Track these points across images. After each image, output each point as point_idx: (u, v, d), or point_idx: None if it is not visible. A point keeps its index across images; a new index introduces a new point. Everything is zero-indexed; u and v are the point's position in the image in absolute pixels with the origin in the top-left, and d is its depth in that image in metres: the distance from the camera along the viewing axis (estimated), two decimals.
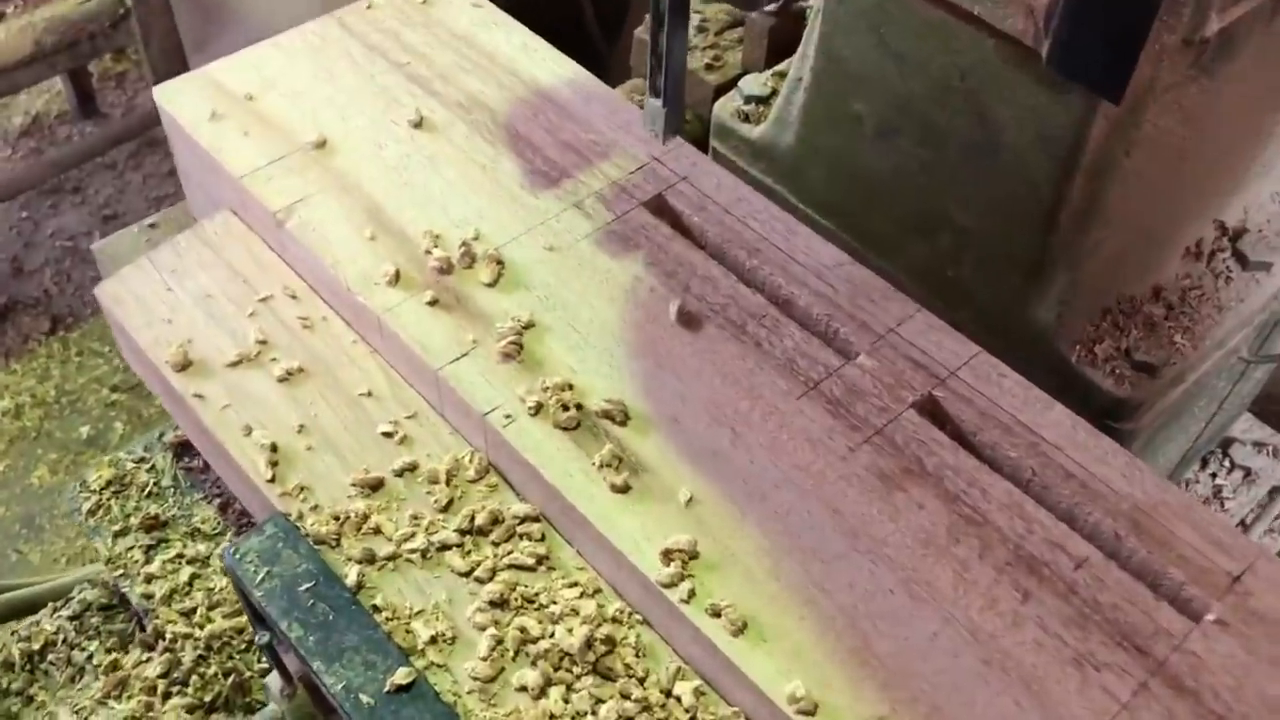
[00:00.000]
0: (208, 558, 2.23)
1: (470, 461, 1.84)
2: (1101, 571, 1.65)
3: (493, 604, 1.69)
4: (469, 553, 1.75)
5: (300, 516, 1.78)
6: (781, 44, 2.92)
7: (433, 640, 1.66)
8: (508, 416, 1.79)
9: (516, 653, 1.65)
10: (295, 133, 2.19)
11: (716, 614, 1.60)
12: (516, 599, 1.70)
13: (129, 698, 2.13)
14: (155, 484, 2.32)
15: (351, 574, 1.71)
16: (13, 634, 2.39)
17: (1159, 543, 1.68)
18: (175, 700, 2.09)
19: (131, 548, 2.24)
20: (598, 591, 1.72)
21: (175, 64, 4.64)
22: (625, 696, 1.61)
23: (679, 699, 1.61)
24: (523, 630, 1.66)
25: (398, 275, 1.96)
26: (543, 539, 1.77)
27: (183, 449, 2.36)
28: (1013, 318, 2.27)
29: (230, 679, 2.12)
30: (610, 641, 1.66)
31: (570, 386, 1.82)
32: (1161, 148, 2.05)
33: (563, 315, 1.93)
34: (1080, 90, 1.93)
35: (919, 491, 1.72)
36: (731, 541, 1.68)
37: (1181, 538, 1.68)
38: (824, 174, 2.47)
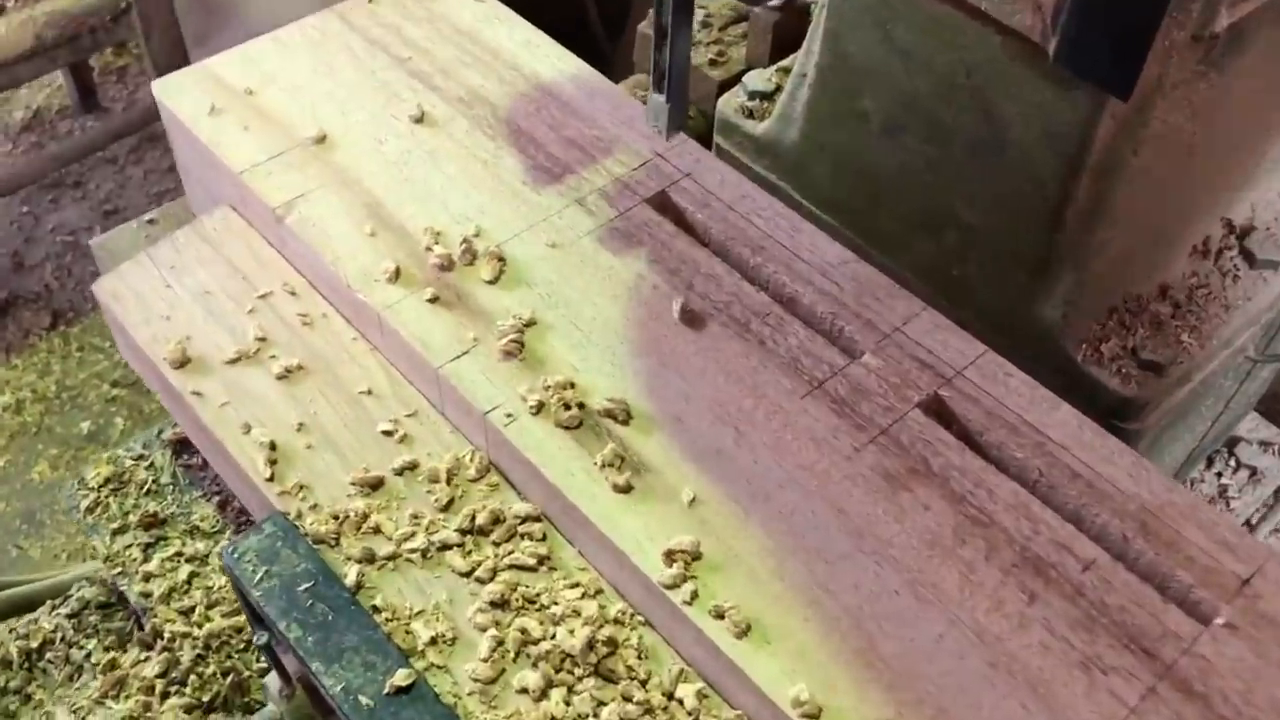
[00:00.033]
0: (206, 556, 2.21)
1: (471, 460, 1.82)
2: (1109, 573, 1.63)
3: (493, 604, 1.67)
4: (470, 552, 1.73)
5: (299, 515, 1.77)
6: (786, 39, 2.90)
7: (433, 641, 1.64)
8: (509, 415, 1.77)
9: (517, 654, 1.63)
10: (295, 128, 2.17)
11: (720, 616, 1.58)
12: (517, 599, 1.68)
13: (127, 697, 2.11)
14: (154, 481, 2.31)
15: (351, 574, 1.70)
16: (11, 632, 2.38)
17: (1167, 544, 1.66)
18: (173, 700, 2.07)
19: (130, 546, 2.23)
20: (599, 592, 1.70)
21: (176, 58, 4.61)
22: (627, 699, 1.59)
23: (681, 702, 1.60)
24: (524, 631, 1.64)
25: (398, 272, 1.94)
26: (544, 539, 1.75)
27: (182, 446, 2.35)
28: (1018, 316, 2.25)
29: (229, 679, 2.10)
30: (612, 643, 1.64)
31: (572, 385, 1.81)
32: (1170, 145, 2.03)
33: (565, 313, 1.91)
34: (1088, 87, 1.91)
35: (925, 492, 1.70)
36: (735, 542, 1.66)
37: (1189, 539, 1.67)
38: (829, 171, 2.45)
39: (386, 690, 1.58)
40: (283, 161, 2.11)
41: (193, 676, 2.11)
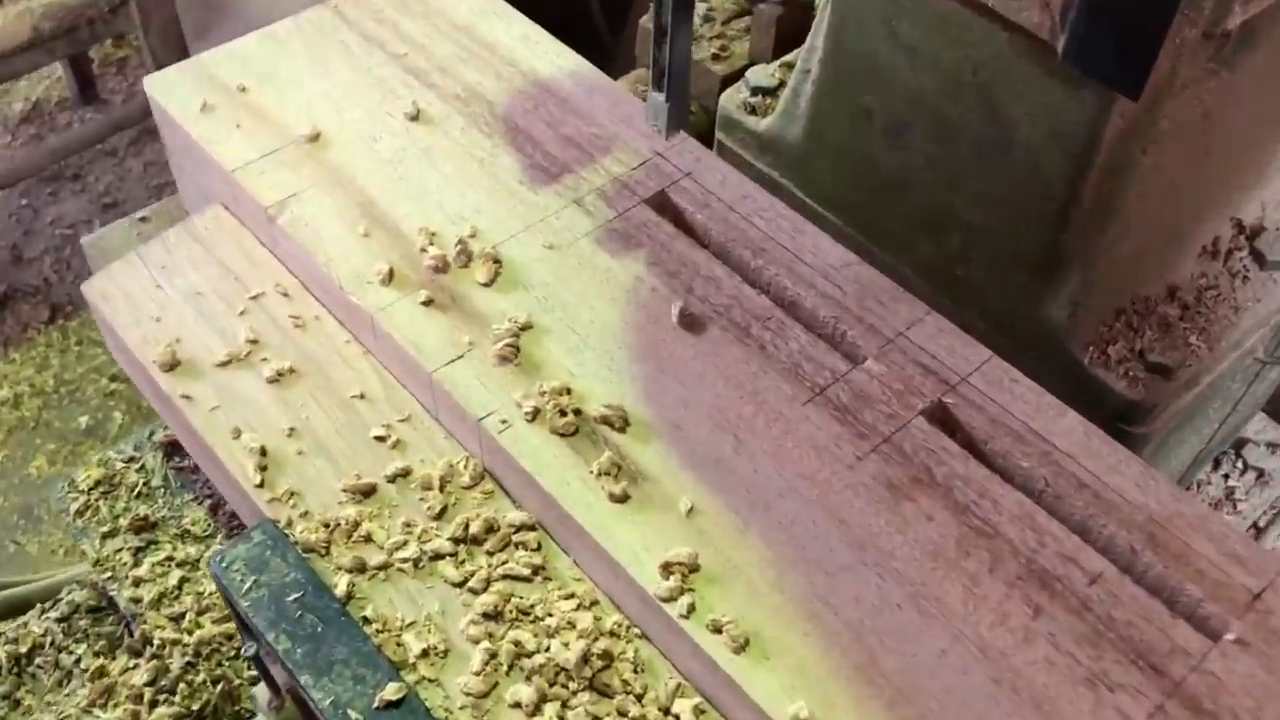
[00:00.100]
0: (197, 561, 2.18)
1: (465, 467, 1.79)
2: (1116, 587, 1.59)
3: (487, 616, 1.64)
4: (463, 562, 1.70)
5: (289, 523, 1.73)
6: (789, 34, 2.87)
7: (424, 653, 1.61)
8: (504, 422, 1.74)
9: (511, 667, 1.60)
10: (288, 125, 2.13)
11: (717, 630, 1.54)
12: (511, 611, 1.65)
13: (115, 706, 2.08)
14: (145, 484, 2.27)
15: (341, 584, 1.66)
16: (0, 636, 2.35)
17: (1175, 557, 1.62)
18: (162, 709, 2.04)
19: (120, 550, 2.20)
20: (595, 603, 1.67)
21: (175, 51, 4.58)
22: (622, 714, 1.56)
23: (678, 717, 1.56)
24: (517, 644, 1.61)
25: (391, 274, 1.90)
26: (539, 548, 1.72)
27: (173, 448, 2.32)
28: (1023, 317, 2.21)
29: (219, 687, 2.07)
30: (607, 656, 1.61)
31: (568, 391, 1.77)
32: (1179, 144, 2.00)
33: (561, 317, 1.87)
34: (1096, 86, 1.87)
35: (928, 502, 1.67)
36: (734, 553, 1.62)
37: (1199, 551, 1.63)
38: (832, 168, 2.42)
39: (376, 704, 1.55)
40: (275, 160, 2.08)
41: (182, 685, 2.08)
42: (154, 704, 2.06)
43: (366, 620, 1.64)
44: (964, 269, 2.27)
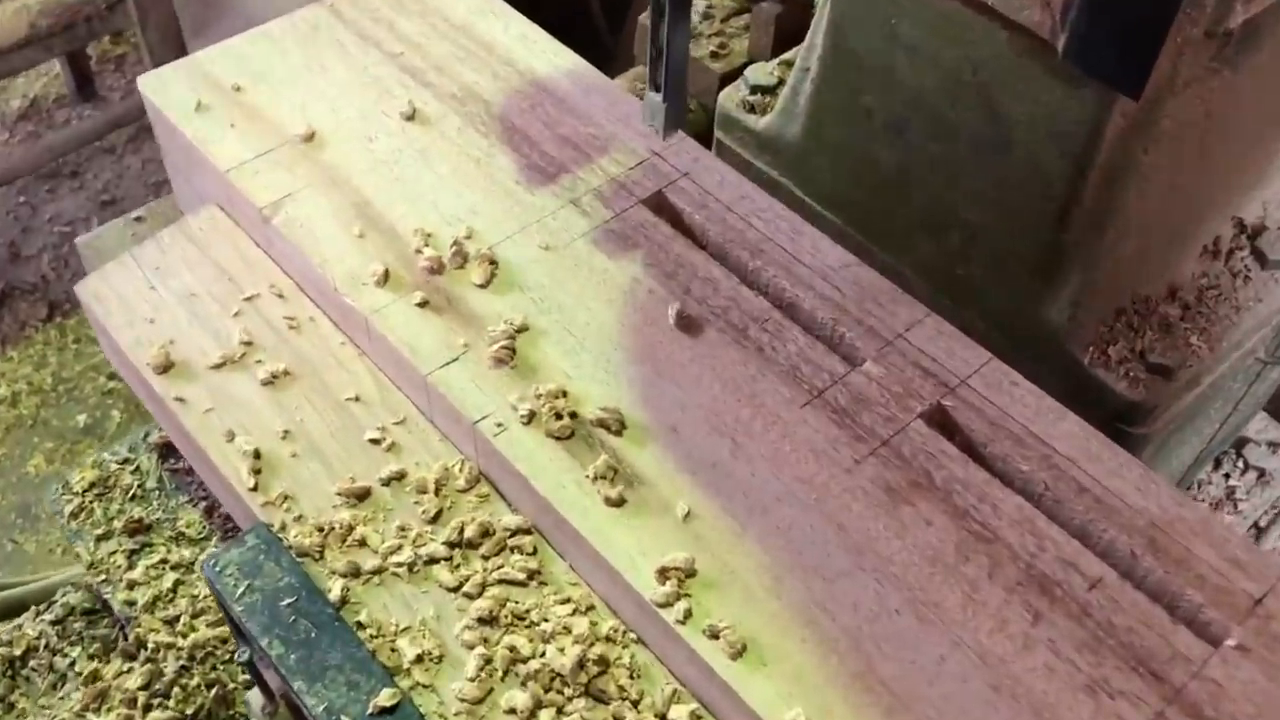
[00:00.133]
0: (192, 563, 2.17)
1: (460, 470, 1.77)
2: (1116, 592, 1.58)
3: (482, 621, 1.62)
4: (458, 566, 1.68)
5: (283, 527, 1.72)
6: (789, 32, 2.86)
7: (419, 659, 1.59)
8: (499, 425, 1.72)
9: (506, 673, 1.59)
10: (283, 125, 2.12)
11: (715, 635, 1.53)
12: (506, 616, 1.63)
13: (109, 710, 2.07)
14: (139, 486, 2.26)
15: (335, 588, 1.65)
16: None
17: (1176, 562, 1.61)
18: (156, 714, 2.03)
19: (114, 552, 2.18)
20: (591, 609, 1.66)
21: (173, 48, 4.57)
22: None
23: None
24: (512, 649, 1.59)
25: (386, 275, 1.89)
26: (534, 553, 1.70)
27: (168, 450, 2.30)
28: (1023, 318, 2.20)
29: (213, 691, 2.06)
30: (603, 662, 1.59)
31: (564, 394, 1.76)
32: (1181, 144, 1.98)
33: (558, 318, 1.86)
34: (1096, 85, 1.86)
35: (927, 506, 1.65)
36: (731, 558, 1.61)
37: (1200, 556, 1.61)
38: (831, 167, 2.40)
39: (370, 711, 1.53)
40: (270, 160, 2.06)
41: (176, 689, 2.06)
42: (148, 708, 2.05)
43: (360, 625, 1.62)
44: (964, 268, 2.26)
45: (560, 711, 1.55)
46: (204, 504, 2.25)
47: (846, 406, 1.75)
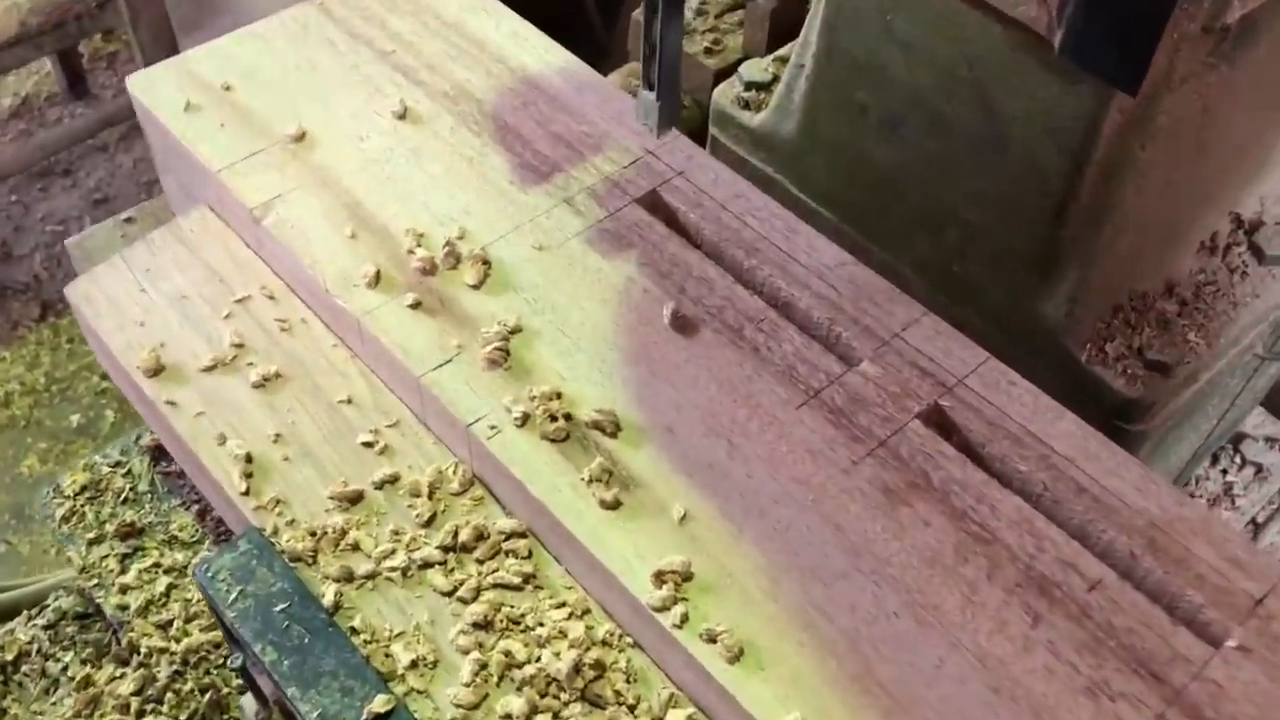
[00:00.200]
0: (185, 567, 2.15)
1: (454, 473, 1.76)
2: (1116, 593, 1.56)
3: (477, 626, 1.61)
4: (452, 571, 1.67)
5: (276, 531, 1.70)
6: (784, 27, 2.84)
7: (413, 664, 1.58)
8: (493, 427, 1.71)
9: (501, 678, 1.57)
10: (274, 125, 2.10)
11: (711, 639, 1.52)
12: (501, 620, 1.62)
13: (102, 715, 2.05)
14: (132, 489, 2.24)
15: (329, 593, 1.64)
16: None
17: (1176, 562, 1.60)
18: (149, 719, 2.01)
19: (106, 556, 2.16)
20: (586, 612, 1.64)
21: (165, 46, 4.54)
22: None
23: None
24: (508, 654, 1.58)
25: (378, 276, 1.87)
26: (529, 556, 1.69)
27: (160, 453, 2.28)
28: (1020, 315, 2.19)
29: (207, 696, 2.04)
30: (599, 666, 1.58)
31: (559, 395, 1.74)
32: (1178, 140, 1.97)
33: (552, 319, 1.84)
34: (1093, 81, 1.84)
35: (925, 507, 1.64)
36: (727, 560, 1.60)
37: (1200, 556, 1.60)
38: (826, 164, 2.39)
39: (365, 717, 1.52)
40: (261, 160, 2.04)
41: (170, 694, 2.04)
42: (141, 714, 2.03)
43: (354, 631, 1.61)
44: (961, 265, 2.25)
45: (556, 716, 1.54)
46: (196, 507, 2.23)
47: (843, 407, 1.74)
